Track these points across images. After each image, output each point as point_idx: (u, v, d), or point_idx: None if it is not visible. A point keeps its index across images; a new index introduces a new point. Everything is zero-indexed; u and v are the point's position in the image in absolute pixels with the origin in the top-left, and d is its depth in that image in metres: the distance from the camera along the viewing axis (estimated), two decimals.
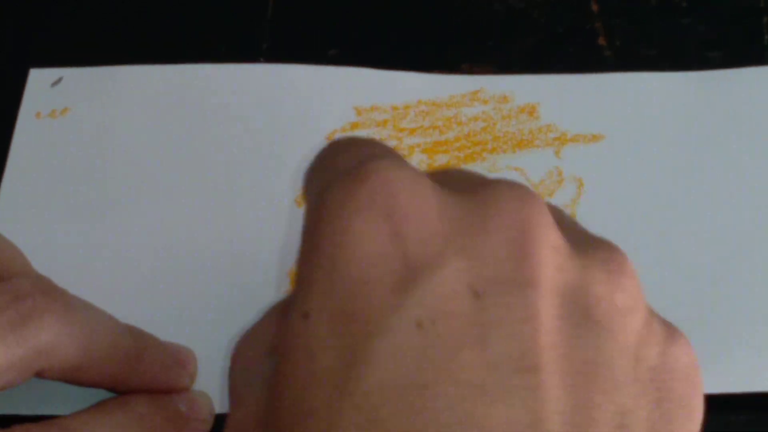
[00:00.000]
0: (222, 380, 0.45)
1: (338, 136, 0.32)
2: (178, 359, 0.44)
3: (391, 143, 0.51)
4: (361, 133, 0.51)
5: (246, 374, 0.32)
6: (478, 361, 0.27)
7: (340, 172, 0.29)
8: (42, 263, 0.42)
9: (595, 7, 0.56)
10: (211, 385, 0.44)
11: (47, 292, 0.38)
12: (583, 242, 0.30)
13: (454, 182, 0.30)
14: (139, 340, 0.42)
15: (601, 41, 0.55)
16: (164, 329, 0.44)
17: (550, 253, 0.29)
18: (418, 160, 0.50)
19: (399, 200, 0.28)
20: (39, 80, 0.54)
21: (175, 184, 0.50)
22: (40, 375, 0.38)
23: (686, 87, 0.52)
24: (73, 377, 0.39)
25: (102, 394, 0.41)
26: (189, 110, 0.53)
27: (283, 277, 0.47)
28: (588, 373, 0.28)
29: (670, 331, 0.31)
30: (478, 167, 0.50)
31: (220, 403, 0.44)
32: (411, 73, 0.53)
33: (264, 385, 0.30)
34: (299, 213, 0.49)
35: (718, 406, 0.40)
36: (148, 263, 0.48)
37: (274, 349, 0.31)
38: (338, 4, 0.57)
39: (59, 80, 0.54)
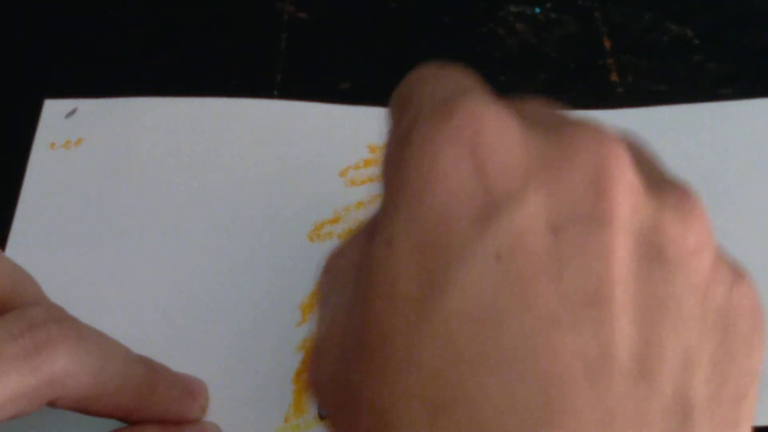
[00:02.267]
0: (232, 412, 0.45)
1: (426, 64, 0.33)
2: (190, 390, 0.44)
3: None
4: (375, 170, 0.51)
5: (332, 293, 0.33)
6: (553, 294, 0.28)
7: (427, 106, 0.30)
8: (55, 292, 0.42)
9: (607, 44, 0.56)
10: (221, 416, 0.44)
11: (61, 321, 0.38)
12: (659, 182, 0.31)
13: (537, 118, 0.31)
14: (151, 371, 0.41)
15: (614, 77, 0.55)
16: (176, 360, 0.44)
17: (627, 193, 0.30)
18: None
19: (484, 136, 0.29)
20: (53, 111, 0.54)
21: (188, 216, 0.50)
22: (52, 404, 0.38)
23: (698, 118, 0.52)
24: (85, 406, 0.39)
25: (113, 424, 0.41)
26: (202, 143, 0.53)
27: (296, 311, 0.47)
28: (657, 310, 0.29)
29: (737, 271, 0.32)
30: None
31: None
32: None
33: (345, 307, 0.31)
34: (312, 247, 0.49)
35: None
36: (161, 294, 0.48)
37: (355, 274, 0.32)
38: (350, 38, 0.57)
39: (74, 111, 0.54)
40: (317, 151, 0.52)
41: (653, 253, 0.30)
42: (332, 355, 0.32)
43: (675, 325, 0.29)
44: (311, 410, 0.45)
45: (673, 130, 0.52)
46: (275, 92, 0.54)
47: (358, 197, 0.50)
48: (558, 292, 0.28)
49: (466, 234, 0.29)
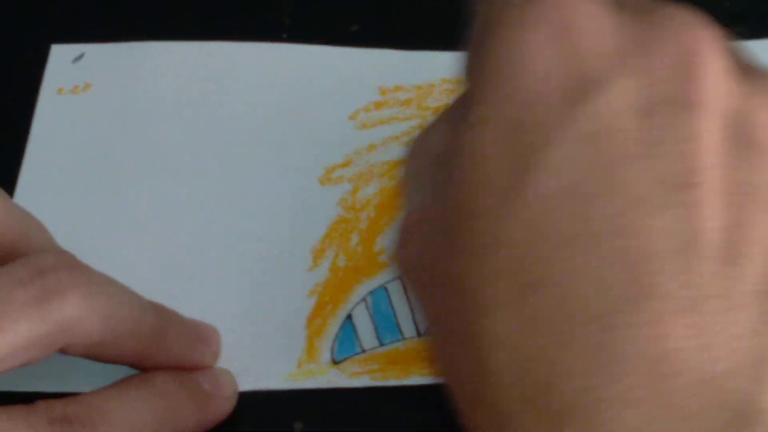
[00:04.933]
0: (244, 358, 0.45)
1: None
2: (202, 336, 0.44)
3: (416, 122, 0.50)
4: (386, 112, 0.51)
5: (417, 178, 0.34)
6: (642, 176, 0.28)
7: None
8: (65, 239, 0.42)
9: None
10: (234, 362, 0.44)
11: (71, 268, 0.38)
12: (749, 70, 0.31)
13: (627, 0, 0.31)
14: (162, 317, 0.41)
15: None
16: (187, 306, 0.44)
17: (718, 76, 0.30)
18: None
19: (574, 18, 0.30)
20: (61, 56, 0.54)
21: (197, 161, 0.50)
22: (63, 351, 0.38)
23: None
24: (96, 353, 0.39)
25: (125, 371, 0.41)
26: (212, 87, 0.52)
27: (307, 255, 0.47)
28: (746, 194, 0.29)
29: None
30: None
31: (243, 381, 0.44)
32: (434, 53, 0.53)
33: (432, 189, 0.32)
34: (323, 191, 0.49)
35: None
36: (171, 240, 0.48)
37: (441, 157, 0.32)
38: None
39: (81, 56, 0.53)
40: (326, 95, 0.52)
41: (742, 138, 0.30)
42: (421, 235, 0.32)
43: (763, 209, 0.29)
44: (324, 355, 0.45)
45: None
46: (284, 35, 0.54)
47: (369, 140, 0.50)
48: (648, 173, 0.29)
49: (555, 115, 0.29)
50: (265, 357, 0.45)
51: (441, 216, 0.31)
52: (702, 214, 0.29)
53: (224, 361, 0.44)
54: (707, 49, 0.30)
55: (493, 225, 0.29)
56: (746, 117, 0.30)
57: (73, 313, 0.37)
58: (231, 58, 0.53)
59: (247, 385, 0.44)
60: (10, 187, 0.49)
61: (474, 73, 0.31)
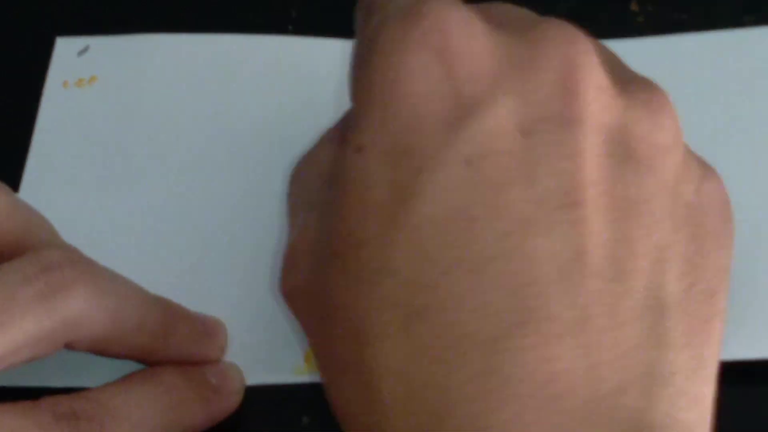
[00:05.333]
0: (252, 352, 0.44)
1: None
2: (208, 330, 0.43)
3: None
4: None
5: (302, 199, 0.34)
6: (525, 197, 0.29)
7: (393, 10, 0.31)
8: (69, 234, 0.42)
9: None
10: (241, 357, 0.44)
11: (76, 263, 0.38)
12: (626, 82, 0.31)
13: (504, 20, 0.31)
14: (168, 312, 0.41)
15: (634, 7, 0.54)
16: (194, 300, 0.44)
17: (596, 93, 0.30)
18: None
19: (452, 40, 0.29)
20: (66, 49, 0.53)
21: (203, 154, 0.50)
22: (69, 346, 0.38)
23: (721, 46, 0.51)
24: (102, 349, 0.39)
25: (131, 367, 0.41)
26: (217, 80, 0.52)
27: None
28: (629, 209, 0.29)
29: (705, 168, 0.33)
30: None
31: (250, 376, 0.44)
32: None
33: (319, 210, 0.32)
34: None
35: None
36: (177, 234, 0.48)
37: (328, 177, 0.32)
38: None
39: (86, 49, 0.53)
40: (334, 87, 0.52)
41: (623, 153, 0.30)
42: (305, 264, 0.32)
43: (647, 222, 0.30)
44: None
45: (695, 59, 0.51)
46: (290, 28, 0.54)
47: None
48: (530, 194, 0.29)
49: (436, 139, 0.29)
50: (272, 351, 0.45)
51: (326, 243, 0.31)
52: (586, 231, 0.29)
53: (231, 355, 0.44)
54: (585, 65, 0.30)
55: (378, 252, 0.29)
56: (624, 131, 0.30)
57: (78, 309, 0.37)
58: (238, 50, 0.53)
59: (254, 379, 0.44)
60: (14, 182, 0.49)
61: (357, 95, 0.31)
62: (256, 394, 0.44)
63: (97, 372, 0.41)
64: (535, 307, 0.28)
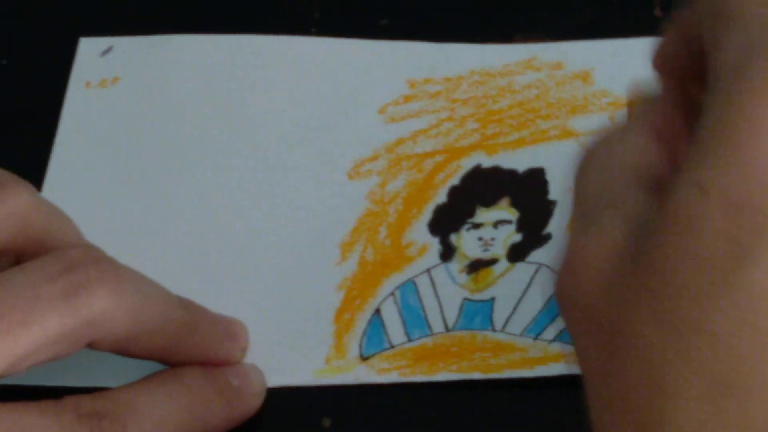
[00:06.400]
0: (273, 354, 0.44)
1: None
2: (230, 332, 0.43)
3: (444, 114, 0.50)
4: (415, 105, 0.51)
5: (602, 192, 0.31)
6: None
7: (763, 33, 0.28)
8: (93, 233, 0.42)
9: None
10: (262, 358, 0.44)
11: (99, 262, 0.38)
12: None
13: None
14: (190, 312, 0.41)
15: (658, 12, 0.54)
16: (216, 301, 0.44)
17: None
18: (471, 129, 0.50)
19: None
20: (89, 49, 0.53)
21: (225, 154, 0.50)
22: (91, 346, 0.38)
23: None
24: (124, 349, 0.39)
25: (153, 367, 0.41)
26: (240, 81, 0.52)
27: (335, 249, 0.47)
28: None
29: None
30: (530, 134, 0.50)
31: (271, 377, 0.44)
32: (463, 45, 0.53)
33: (628, 221, 0.29)
34: (351, 186, 0.49)
35: None
36: (200, 234, 0.48)
37: (645, 181, 0.30)
38: None
39: (109, 49, 0.53)
40: (355, 88, 0.52)
41: None
42: (599, 274, 0.29)
43: None
44: (352, 350, 0.44)
45: None
46: (313, 30, 0.54)
47: (398, 134, 0.50)
48: None
49: None
50: (293, 353, 0.45)
51: (636, 267, 0.28)
52: None
53: (252, 357, 0.44)
54: None
55: (698, 307, 0.26)
56: None
57: (101, 308, 0.37)
58: (259, 51, 0.53)
59: (275, 380, 0.44)
60: (38, 181, 0.49)
61: (708, 127, 0.28)
62: (276, 396, 0.44)
63: (118, 372, 0.41)
64: None
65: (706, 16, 0.30)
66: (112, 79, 0.52)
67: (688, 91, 0.31)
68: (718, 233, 0.26)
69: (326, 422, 0.43)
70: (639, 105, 0.33)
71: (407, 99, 0.51)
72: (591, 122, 0.49)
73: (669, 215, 0.27)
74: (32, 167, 0.50)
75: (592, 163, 0.32)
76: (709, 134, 0.27)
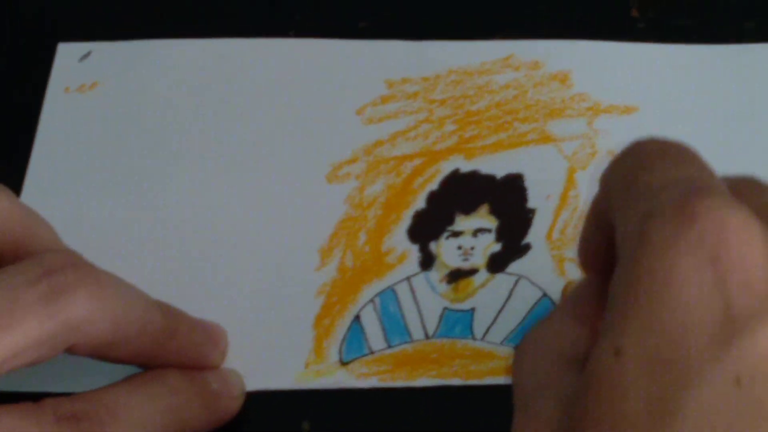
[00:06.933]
0: (252, 358, 0.44)
1: (642, 139, 0.31)
2: (210, 336, 0.43)
3: (422, 116, 0.50)
4: (393, 106, 0.51)
5: (534, 381, 0.32)
6: None
7: (664, 200, 0.28)
8: (72, 238, 0.42)
9: None
10: (242, 362, 0.44)
11: (78, 267, 0.38)
12: None
13: None
14: (170, 317, 0.41)
15: (634, 13, 0.54)
16: (195, 306, 0.44)
17: None
18: (449, 131, 0.50)
19: (728, 246, 0.27)
20: (67, 54, 0.53)
21: (204, 159, 0.50)
22: (70, 351, 0.38)
23: (721, 61, 0.52)
24: (103, 353, 0.39)
25: (132, 372, 0.41)
26: (218, 84, 0.52)
27: (314, 255, 0.47)
28: None
29: None
30: (508, 137, 0.50)
31: (251, 381, 0.44)
32: (441, 42, 0.53)
33: (558, 402, 0.30)
34: (330, 189, 0.49)
35: None
36: (179, 239, 0.48)
37: (567, 361, 0.31)
38: None
39: (88, 54, 0.53)
40: (333, 89, 0.52)
41: None
42: None
43: None
44: (332, 355, 0.44)
45: (695, 69, 0.51)
46: (292, 32, 0.54)
47: (376, 136, 0.50)
48: None
49: (704, 353, 0.27)
50: (272, 357, 0.45)
51: None
52: None
53: (232, 361, 0.44)
54: None
55: None
56: None
57: (80, 313, 0.37)
58: (237, 54, 0.53)
59: (254, 385, 0.44)
60: (17, 186, 0.49)
61: (619, 290, 0.29)
62: (256, 400, 0.44)
63: (98, 376, 0.41)
64: None
65: (612, 196, 0.31)
66: (90, 84, 0.52)
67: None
68: (639, 392, 0.27)
69: (306, 426, 0.43)
70: (568, 293, 0.35)
71: (385, 100, 0.51)
72: (569, 127, 0.50)
73: (590, 382, 0.28)
74: (11, 172, 0.50)
75: (526, 350, 0.33)
76: (618, 300, 0.28)
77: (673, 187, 0.29)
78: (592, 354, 0.29)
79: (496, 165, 0.49)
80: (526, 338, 0.33)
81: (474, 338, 0.45)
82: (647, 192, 0.29)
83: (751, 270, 0.27)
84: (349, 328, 0.45)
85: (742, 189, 0.31)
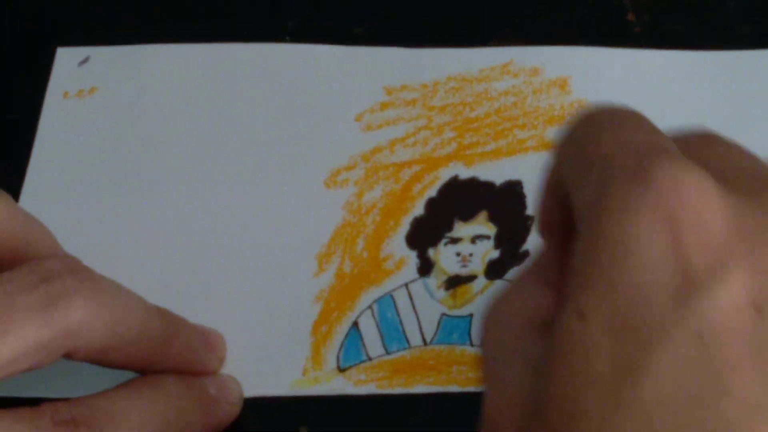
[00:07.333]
0: (250, 364, 0.44)
1: (590, 108, 0.31)
2: (208, 342, 0.43)
3: (421, 122, 0.50)
4: (391, 113, 0.51)
5: (502, 349, 0.32)
6: (758, 380, 0.26)
7: (618, 165, 0.29)
8: (70, 244, 0.42)
9: None
10: (239, 368, 0.44)
11: (77, 273, 0.38)
12: None
13: (733, 172, 0.29)
14: (168, 323, 0.41)
15: (630, 17, 0.54)
16: (193, 311, 0.44)
17: None
18: (448, 138, 0.50)
19: (685, 207, 0.27)
20: (66, 59, 0.53)
21: (203, 164, 0.50)
22: (68, 356, 0.38)
23: (719, 67, 0.52)
24: (101, 359, 0.39)
25: (130, 377, 0.41)
26: (217, 89, 0.52)
27: (312, 261, 0.47)
28: None
29: None
30: (507, 144, 0.50)
31: (248, 388, 0.44)
32: (439, 49, 0.53)
33: (527, 368, 0.30)
34: (328, 195, 0.49)
35: None
36: (176, 244, 0.48)
37: (539, 328, 0.31)
38: None
39: (86, 59, 0.53)
40: (331, 96, 0.52)
41: None
42: (509, 424, 0.30)
43: None
44: (329, 362, 0.44)
45: (693, 76, 0.51)
46: (287, 38, 0.54)
47: (375, 142, 0.50)
48: (760, 378, 0.27)
49: (665, 312, 0.27)
50: (270, 363, 0.45)
51: (537, 408, 0.29)
52: None
53: (229, 367, 0.44)
54: None
55: (597, 428, 0.27)
56: None
57: (78, 318, 0.37)
58: (236, 59, 0.53)
59: (252, 391, 0.44)
60: (15, 192, 0.49)
61: (580, 255, 0.29)
62: (254, 405, 0.44)
63: (96, 382, 0.41)
64: None
65: (567, 164, 0.32)
66: (89, 89, 0.52)
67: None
68: (603, 354, 0.27)
69: (303, 431, 0.43)
70: (531, 258, 0.34)
71: (384, 106, 0.51)
72: None
73: (556, 346, 0.28)
74: (9, 177, 0.50)
75: (492, 319, 0.33)
76: (580, 265, 0.28)
77: (625, 152, 0.29)
78: (557, 318, 0.29)
79: (495, 172, 0.49)
80: (492, 307, 0.34)
81: (472, 345, 0.45)
82: (600, 160, 0.30)
83: (707, 228, 0.27)
84: (347, 335, 0.45)
85: (693, 144, 0.31)
